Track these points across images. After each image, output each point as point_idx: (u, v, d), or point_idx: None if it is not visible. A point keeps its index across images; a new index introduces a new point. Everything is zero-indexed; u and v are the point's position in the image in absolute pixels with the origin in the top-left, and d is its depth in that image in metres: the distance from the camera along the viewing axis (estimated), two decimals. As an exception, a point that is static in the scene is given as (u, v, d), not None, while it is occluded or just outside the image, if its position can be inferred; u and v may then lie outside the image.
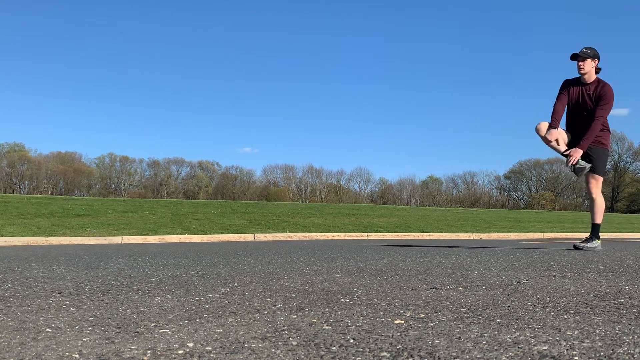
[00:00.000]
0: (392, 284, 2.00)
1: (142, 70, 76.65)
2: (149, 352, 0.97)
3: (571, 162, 4.57)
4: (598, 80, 4.71)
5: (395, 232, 11.31)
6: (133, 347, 1.01)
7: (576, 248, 4.60)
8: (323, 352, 0.97)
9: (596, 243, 4.68)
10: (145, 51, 75.55)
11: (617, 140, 58.63)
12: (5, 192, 46.33)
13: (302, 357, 0.94)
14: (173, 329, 1.17)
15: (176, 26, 75.96)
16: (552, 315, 1.32)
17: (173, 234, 9.29)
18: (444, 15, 76.21)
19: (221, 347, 1.01)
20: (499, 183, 65.55)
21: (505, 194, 64.96)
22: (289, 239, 9.42)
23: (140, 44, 75.21)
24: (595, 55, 4.73)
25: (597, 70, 4.75)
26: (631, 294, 1.70)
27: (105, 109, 75.98)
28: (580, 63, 4.68)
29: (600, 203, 4.73)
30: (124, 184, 60.79)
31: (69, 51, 71.84)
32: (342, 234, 10.29)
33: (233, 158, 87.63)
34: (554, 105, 4.82)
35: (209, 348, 1.00)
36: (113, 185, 61.01)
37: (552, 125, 4.70)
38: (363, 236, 10.40)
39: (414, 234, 11.02)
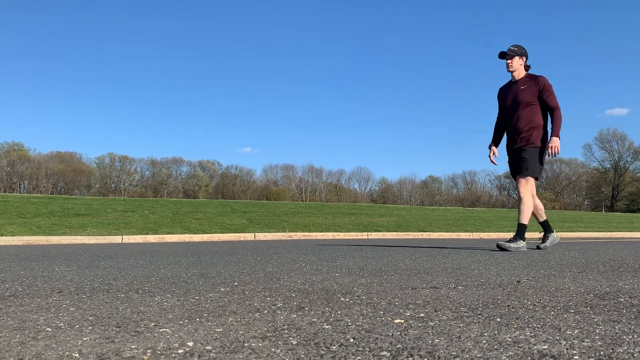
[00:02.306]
0: (392, 283, 2.00)
1: (142, 70, 76.67)
2: (149, 351, 0.97)
3: (555, 152, 4.52)
4: (529, 75, 4.69)
5: (395, 231, 11.32)
6: (133, 347, 1.01)
7: (499, 248, 4.52)
8: (323, 352, 0.97)
9: (521, 244, 4.55)
10: (145, 51, 75.59)
11: (617, 140, 58.67)
12: (5, 192, 46.33)
13: (302, 356, 0.94)
14: (173, 328, 1.17)
15: (176, 26, 75.98)
16: (552, 315, 1.32)
17: (173, 234, 9.29)
18: (444, 16, 76.23)
19: (221, 346, 1.01)
20: (499, 182, 65.53)
21: (506, 193, 64.92)
22: (289, 239, 9.42)
23: (140, 43, 75.23)
24: (523, 53, 4.71)
25: (527, 68, 4.74)
26: (631, 293, 1.70)
27: (105, 108, 76.07)
28: (509, 61, 4.69)
29: (527, 203, 4.62)
30: (124, 184, 60.77)
31: (68, 51, 71.88)
32: (342, 234, 10.29)
33: (233, 158, 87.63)
34: (494, 125, 4.98)
35: (209, 347, 1.00)
36: (113, 185, 61.00)
37: (493, 143, 4.96)
38: (363, 235, 10.40)
39: (414, 233, 11.02)
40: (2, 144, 56.66)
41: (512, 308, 1.43)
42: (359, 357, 0.93)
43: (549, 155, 4.58)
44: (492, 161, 4.95)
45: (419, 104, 79.05)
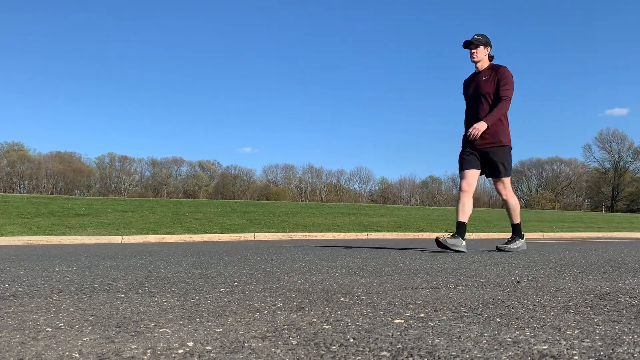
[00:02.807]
0: (392, 284, 2.00)
1: (142, 70, 76.67)
2: (149, 351, 0.97)
3: (473, 134, 4.34)
4: (492, 65, 4.53)
5: (395, 231, 11.32)
6: (133, 347, 1.01)
7: (498, 249, 4.44)
8: (323, 352, 0.97)
9: (519, 243, 4.53)
10: (145, 51, 75.59)
11: (617, 140, 58.68)
12: (5, 192, 46.33)
13: (302, 356, 0.94)
14: (173, 329, 1.17)
15: (176, 26, 75.99)
16: (552, 315, 1.32)
17: (173, 234, 9.29)
18: (444, 16, 76.25)
19: (221, 346, 1.01)
20: (499, 183, 65.41)
21: (505, 193, 64.82)
22: (289, 239, 9.42)
23: (140, 43, 75.23)
24: (487, 43, 4.56)
25: (491, 58, 4.59)
26: (631, 294, 1.70)
27: (105, 108, 76.04)
28: (473, 50, 4.52)
29: (514, 203, 4.55)
30: (124, 184, 60.77)
31: (68, 51, 71.87)
32: (342, 234, 10.29)
33: (233, 158, 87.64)
34: (464, 123, 4.73)
35: (209, 347, 1.00)
36: (113, 185, 60.99)
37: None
38: (363, 236, 10.40)
39: (414, 233, 11.02)
40: (2, 144, 56.69)
41: (512, 308, 1.43)
42: (359, 357, 0.93)
43: (466, 135, 4.43)
44: None
45: (419, 103, 79.08)
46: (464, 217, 4.41)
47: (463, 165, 4.53)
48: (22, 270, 2.69)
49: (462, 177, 4.51)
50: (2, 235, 8.04)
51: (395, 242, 7.72)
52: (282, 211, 14.66)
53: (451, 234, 4.45)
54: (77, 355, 0.95)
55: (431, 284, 2.00)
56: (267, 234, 9.76)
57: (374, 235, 10.47)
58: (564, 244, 6.40)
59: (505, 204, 4.59)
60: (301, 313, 1.37)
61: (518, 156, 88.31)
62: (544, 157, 63.09)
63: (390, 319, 1.28)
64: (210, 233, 9.70)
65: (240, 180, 63.35)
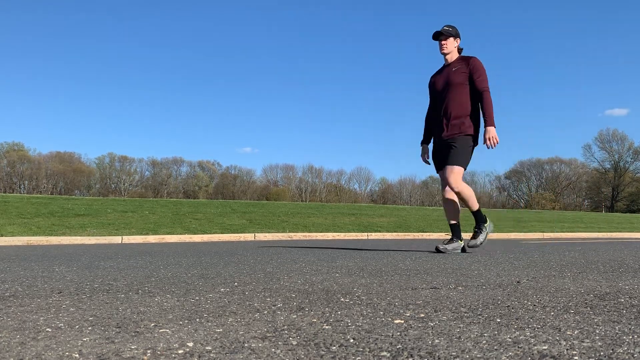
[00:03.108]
0: (392, 284, 2.00)
1: (142, 70, 76.69)
2: (149, 351, 0.97)
3: (493, 143, 4.15)
4: (462, 57, 4.37)
5: (395, 231, 11.32)
6: (133, 347, 1.01)
7: (469, 247, 4.29)
8: (323, 352, 0.97)
9: (485, 230, 4.33)
10: (145, 51, 75.61)
11: (617, 140, 58.69)
12: (5, 192, 46.33)
13: (302, 356, 0.94)
14: (173, 329, 1.17)
15: (176, 26, 76.00)
16: (552, 315, 1.32)
17: (173, 234, 9.29)
18: (446, 16, 76.23)
19: (221, 346, 1.01)
20: (499, 183, 65.59)
21: (506, 193, 64.98)
22: (289, 239, 9.42)
23: (140, 43, 75.25)
24: (457, 34, 4.41)
25: (460, 50, 4.44)
26: (631, 294, 1.70)
27: (105, 108, 76.07)
28: (443, 42, 4.36)
29: (467, 191, 4.26)
30: (124, 184, 60.78)
31: (68, 51, 71.89)
32: (342, 234, 10.29)
33: (233, 158, 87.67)
34: (425, 119, 4.64)
35: (208, 348, 1.00)
36: (113, 185, 61.00)
37: (424, 141, 4.63)
38: (363, 236, 10.40)
39: (414, 233, 11.02)
40: (2, 144, 56.70)
41: (512, 308, 1.43)
42: (359, 358, 0.93)
43: (488, 148, 4.21)
44: (425, 161, 4.63)
45: (419, 104, 79.09)
46: (454, 218, 4.39)
47: (438, 166, 4.42)
48: (22, 271, 2.69)
49: (441, 177, 4.38)
50: (2, 236, 8.04)
51: (395, 242, 7.72)
52: (282, 211, 14.66)
53: (449, 237, 4.40)
54: (77, 355, 0.95)
55: (431, 284, 2.00)
56: (267, 234, 9.76)
57: (374, 236, 10.47)
58: (564, 245, 6.40)
59: (457, 196, 4.30)
60: (301, 313, 1.37)
61: (518, 156, 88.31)
62: (544, 157, 63.17)
63: (390, 319, 1.28)
64: (210, 233, 9.70)
65: (240, 180, 63.36)
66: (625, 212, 42.55)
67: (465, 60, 4.31)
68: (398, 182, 64.70)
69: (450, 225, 4.40)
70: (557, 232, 12.89)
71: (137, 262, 3.32)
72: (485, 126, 4.19)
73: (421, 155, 4.65)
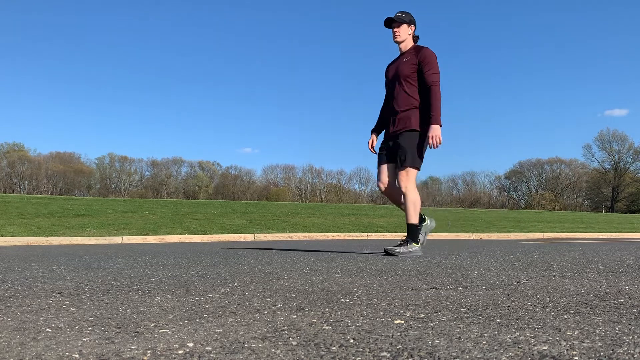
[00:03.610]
0: (392, 284, 2.00)
1: (142, 71, 76.71)
2: (149, 352, 0.97)
3: (436, 142, 3.84)
4: (415, 47, 4.06)
5: (395, 232, 11.31)
6: (133, 347, 1.01)
7: (387, 253, 3.89)
8: (323, 352, 0.97)
9: (413, 247, 3.89)
10: (145, 52, 75.62)
11: (617, 140, 58.68)
12: (5, 192, 46.32)
13: (302, 357, 0.94)
14: (173, 329, 1.17)
15: (176, 27, 76.01)
16: (552, 315, 1.32)
17: (173, 234, 9.29)
18: (445, 15, 76.25)
19: (221, 347, 1.01)
20: (499, 183, 65.59)
21: (505, 194, 64.97)
22: (289, 239, 9.42)
23: (140, 44, 75.27)
24: (411, 21, 4.08)
25: (415, 39, 4.12)
26: (631, 294, 1.70)
27: (105, 109, 76.09)
28: (396, 29, 4.05)
29: (413, 199, 3.91)
30: (124, 184, 60.78)
31: (68, 51, 71.89)
32: (342, 234, 10.29)
33: (233, 158, 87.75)
34: (380, 109, 4.32)
35: (209, 348, 1.00)
36: (113, 185, 61.01)
37: (374, 130, 4.30)
38: (363, 236, 10.40)
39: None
40: (2, 144, 56.72)
41: (512, 309, 1.43)
42: (359, 358, 0.93)
43: (430, 147, 3.90)
44: (371, 150, 4.25)
45: (419, 104, 78.95)
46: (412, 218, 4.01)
47: (378, 160, 4.14)
48: (22, 271, 2.69)
49: (380, 171, 4.11)
50: (2, 236, 8.04)
51: (395, 242, 7.72)
52: (282, 212, 14.66)
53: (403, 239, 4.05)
54: (77, 355, 0.95)
55: (431, 284, 2.00)
56: (267, 234, 9.76)
57: (374, 236, 10.47)
58: (564, 245, 6.40)
59: (403, 197, 3.98)
60: (301, 314, 1.37)
61: (518, 156, 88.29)
62: (544, 157, 63.18)
63: (390, 319, 1.28)
64: (210, 233, 9.70)
65: (240, 180, 63.36)
66: (626, 213, 42.54)
67: (416, 51, 4.01)
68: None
69: (409, 224, 4.02)
70: (557, 232, 12.88)
71: (137, 262, 3.32)
72: (430, 124, 3.87)
73: (368, 143, 4.28)
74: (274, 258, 3.67)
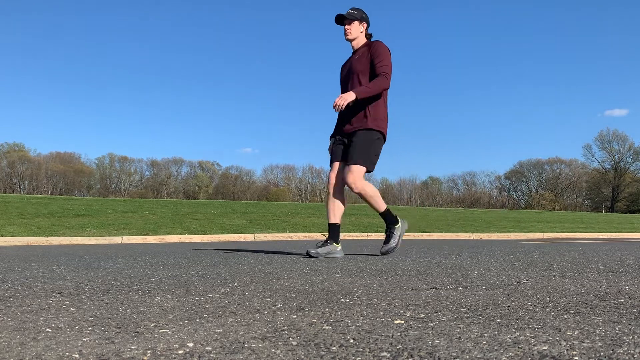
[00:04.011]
0: (392, 284, 2.00)
1: (142, 71, 76.70)
2: (149, 352, 0.97)
3: (337, 103, 3.60)
4: (368, 43, 3.89)
5: (395, 232, 11.29)
6: (133, 347, 1.01)
7: (308, 254, 3.69)
8: (323, 352, 0.97)
9: (333, 247, 3.76)
10: (145, 51, 75.61)
11: (617, 140, 58.69)
12: (5, 192, 46.33)
13: (302, 357, 0.94)
14: (173, 329, 1.17)
15: (176, 27, 76.01)
16: (552, 315, 1.32)
17: (173, 234, 9.29)
18: (448, 16, 76.27)
19: (221, 347, 1.01)
20: (499, 183, 65.59)
21: (506, 194, 64.98)
22: (290, 239, 9.43)
23: (140, 44, 75.27)
24: (363, 18, 3.91)
25: (368, 37, 3.95)
26: (631, 294, 1.70)
27: (105, 109, 76.11)
28: (347, 27, 3.87)
29: (370, 191, 3.82)
30: (124, 184, 60.78)
31: (68, 51, 71.90)
32: (343, 234, 10.29)
33: (233, 158, 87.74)
34: None
35: (209, 348, 1.00)
36: (113, 185, 61.03)
37: (332, 135, 4.03)
38: (363, 236, 10.40)
39: (414, 234, 11.02)
40: (3, 144, 56.73)
41: (512, 309, 1.43)
42: (359, 358, 0.93)
43: (333, 107, 3.65)
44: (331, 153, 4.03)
45: (419, 104, 79.07)
46: (334, 217, 3.88)
47: (331, 158, 3.97)
48: (22, 271, 2.69)
49: (330, 171, 3.95)
50: (2, 236, 8.04)
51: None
52: (282, 212, 14.66)
53: (325, 239, 3.86)
54: (77, 355, 0.95)
55: (431, 284, 2.00)
56: (267, 234, 9.76)
57: (374, 236, 10.47)
58: (564, 245, 6.40)
59: (362, 197, 3.87)
60: (301, 314, 1.37)
61: (518, 156, 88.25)
62: (544, 157, 63.20)
63: (390, 319, 1.28)
64: (210, 234, 9.70)
65: (240, 180, 63.37)
66: (626, 213, 42.53)
67: (369, 47, 3.84)
68: (398, 182, 64.74)
69: (329, 225, 3.86)
70: (557, 232, 12.88)
71: (137, 262, 3.32)
72: (353, 90, 3.67)
73: (328, 148, 4.07)
74: (274, 258, 3.67)
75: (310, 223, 12.32)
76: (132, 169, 62.28)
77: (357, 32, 3.91)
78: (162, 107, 78.13)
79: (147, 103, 77.38)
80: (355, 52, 3.95)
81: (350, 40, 3.94)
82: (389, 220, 3.98)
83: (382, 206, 3.92)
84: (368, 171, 3.80)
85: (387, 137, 3.89)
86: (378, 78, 3.71)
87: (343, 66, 4.07)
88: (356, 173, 3.74)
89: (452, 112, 79.20)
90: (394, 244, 3.90)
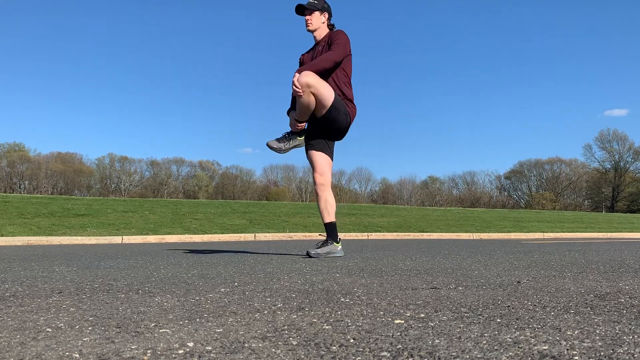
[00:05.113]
0: (393, 284, 2.00)
1: (142, 71, 76.71)
2: (149, 351, 0.97)
3: (295, 83, 3.45)
4: (330, 33, 3.78)
5: (395, 232, 11.31)
6: (133, 347, 1.01)
7: (308, 255, 3.68)
8: (323, 352, 0.97)
9: (333, 247, 3.70)
10: (145, 52, 75.62)
11: (617, 140, 58.70)
12: (5, 192, 46.34)
13: (302, 356, 0.94)
14: (173, 329, 1.17)
15: (176, 27, 76.01)
16: (553, 315, 1.32)
17: (173, 234, 9.29)
18: (450, 13, 76.24)
19: (221, 346, 1.01)
20: (499, 183, 65.61)
21: (506, 193, 64.99)
22: (290, 239, 9.43)
23: (140, 44, 75.27)
24: (324, 8, 3.80)
25: (331, 27, 3.84)
26: (631, 294, 1.70)
27: (105, 109, 76.13)
28: (308, 17, 3.76)
29: (326, 199, 3.74)
30: (124, 184, 60.78)
31: (69, 51, 71.88)
32: (343, 234, 10.29)
33: (233, 158, 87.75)
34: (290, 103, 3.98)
35: (209, 348, 1.00)
36: (113, 185, 61.02)
37: (291, 108, 3.93)
38: (363, 236, 10.40)
39: (414, 233, 11.02)
40: (3, 144, 56.72)
41: (513, 308, 1.43)
42: (359, 358, 0.93)
43: (292, 86, 3.51)
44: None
45: (419, 104, 79.06)
46: (328, 216, 3.77)
47: (308, 152, 3.87)
48: (22, 271, 2.69)
49: (312, 167, 3.84)
50: (2, 236, 8.04)
51: (395, 242, 7.72)
52: (283, 211, 14.66)
53: (323, 239, 3.80)
54: (77, 355, 0.95)
55: (431, 284, 2.00)
56: (267, 234, 9.76)
57: (374, 236, 10.47)
58: (564, 245, 6.40)
59: (316, 197, 3.84)
60: (301, 313, 1.37)
61: (518, 157, 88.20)
62: (544, 157, 63.21)
63: (390, 319, 1.28)
64: (210, 233, 9.70)
65: (240, 180, 63.37)
66: (626, 212, 42.55)
67: (330, 37, 3.75)
68: (398, 182, 64.77)
69: (325, 224, 3.80)
70: (557, 232, 12.88)
71: (137, 262, 3.32)
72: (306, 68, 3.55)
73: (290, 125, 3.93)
74: (274, 258, 3.67)
75: (310, 223, 12.32)
76: (132, 169, 62.30)
77: (318, 22, 3.79)
78: (162, 107, 78.19)
79: (147, 103, 77.45)
80: (317, 43, 3.83)
81: (312, 31, 3.82)
82: (331, 234, 3.77)
83: (329, 217, 3.78)
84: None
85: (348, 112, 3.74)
86: (329, 54, 3.59)
87: (305, 55, 3.92)
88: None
89: (452, 111, 79.21)
90: (322, 253, 3.67)
